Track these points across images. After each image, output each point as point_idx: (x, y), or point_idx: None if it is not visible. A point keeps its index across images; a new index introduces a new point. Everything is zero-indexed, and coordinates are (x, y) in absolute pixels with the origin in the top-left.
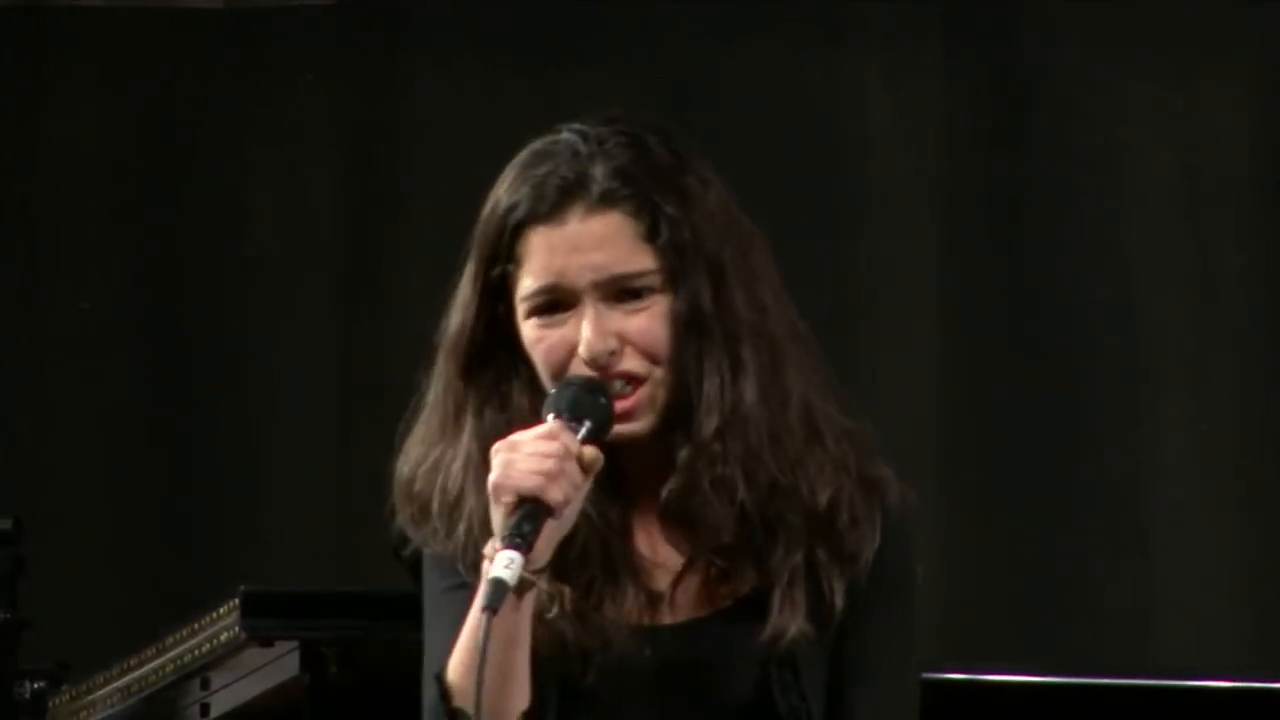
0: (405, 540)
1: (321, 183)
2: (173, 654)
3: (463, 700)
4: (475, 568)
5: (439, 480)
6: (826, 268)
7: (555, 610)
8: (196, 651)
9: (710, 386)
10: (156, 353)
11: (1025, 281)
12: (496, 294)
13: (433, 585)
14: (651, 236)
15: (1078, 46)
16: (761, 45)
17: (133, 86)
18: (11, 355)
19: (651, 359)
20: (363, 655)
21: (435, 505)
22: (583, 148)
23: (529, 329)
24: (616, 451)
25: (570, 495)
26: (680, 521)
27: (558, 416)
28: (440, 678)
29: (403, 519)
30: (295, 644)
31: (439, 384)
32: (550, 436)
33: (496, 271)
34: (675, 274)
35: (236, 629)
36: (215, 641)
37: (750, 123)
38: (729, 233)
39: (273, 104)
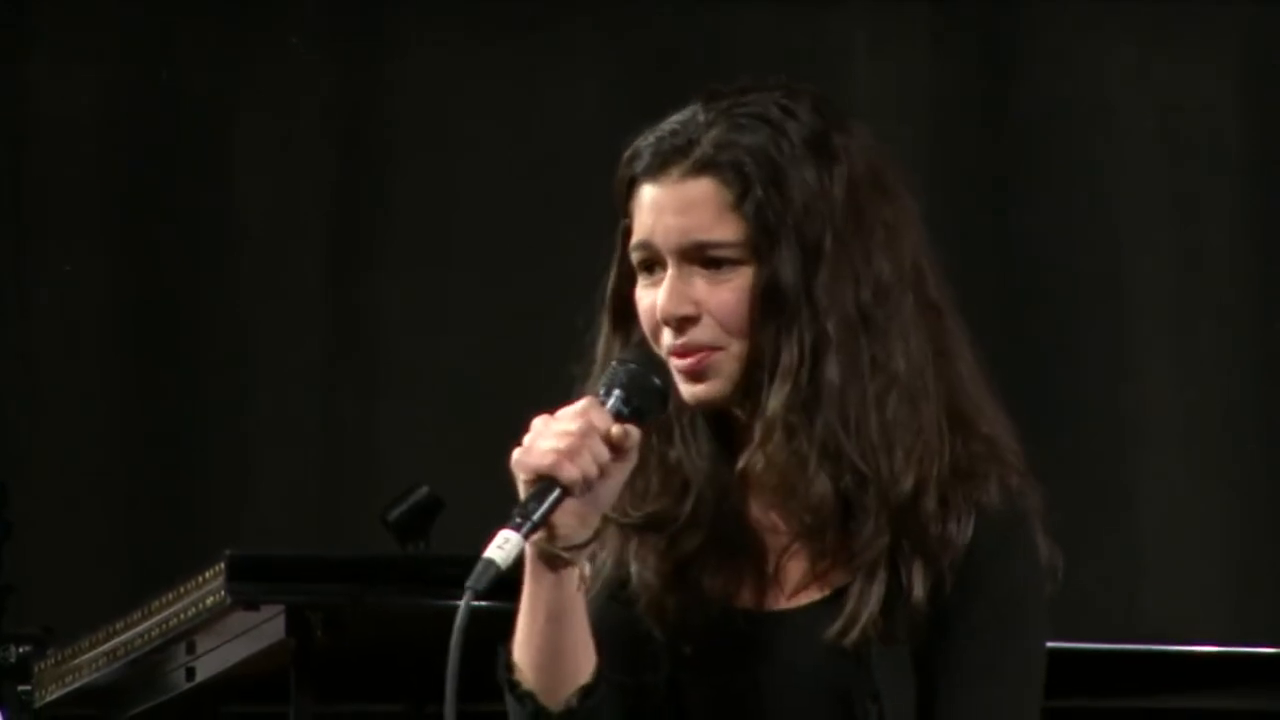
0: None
1: (309, 154)
2: (158, 618)
3: (523, 678)
4: (618, 530)
5: None
6: None
7: (653, 580)
8: (182, 616)
9: (786, 359)
10: (144, 321)
11: (1011, 250)
12: (625, 244)
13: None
14: (741, 206)
15: (1063, 14)
16: (748, 14)
17: (121, 56)
18: None
19: (728, 330)
20: (348, 619)
21: None
22: (705, 114)
23: (638, 284)
24: (728, 423)
25: (590, 473)
26: (771, 495)
27: (601, 392)
28: (508, 649)
29: None
30: (281, 608)
31: (601, 337)
32: (579, 414)
33: (624, 223)
34: (759, 248)
35: (222, 593)
36: (201, 606)
37: None
38: (846, 212)
39: (262, 75)
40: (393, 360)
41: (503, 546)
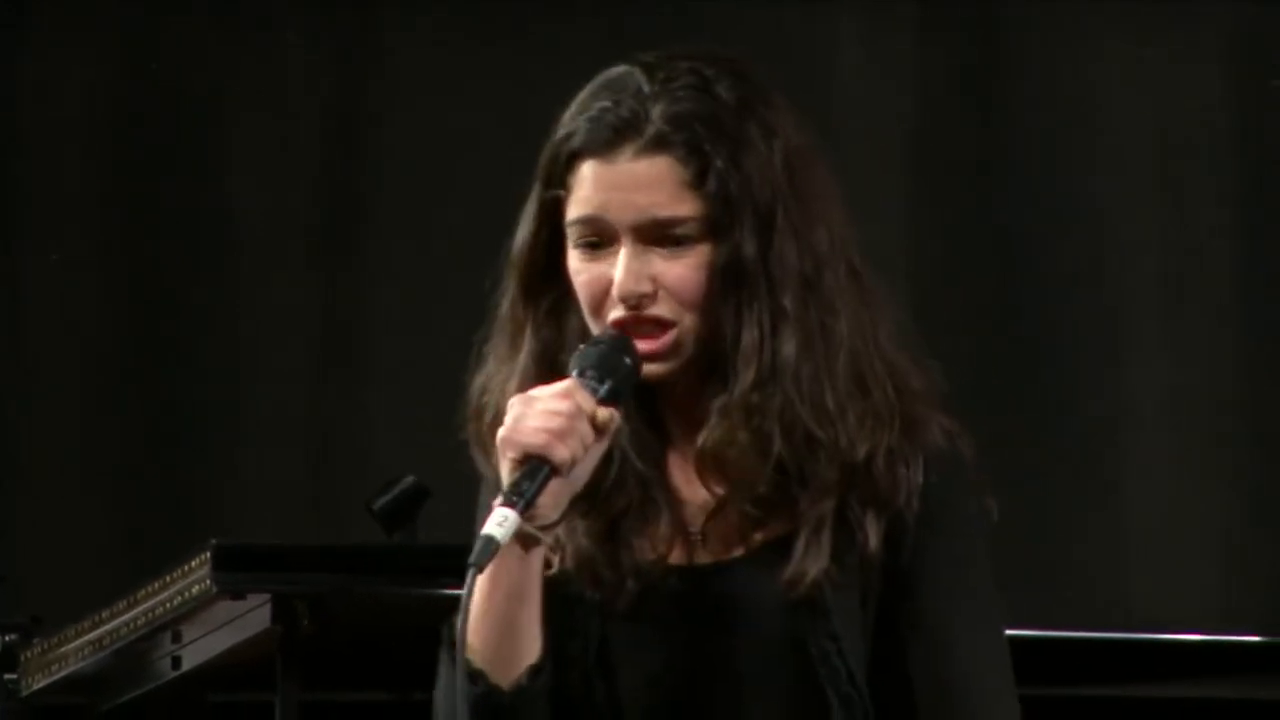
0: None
1: (302, 151)
2: (144, 607)
3: (474, 654)
4: None
5: (493, 401)
6: None
7: (584, 540)
8: (168, 605)
9: (748, 339)
10: (132, 309)
11: (998, 237)
12: (550, 215)
13: (477, 527)
14: (698, 184)
15: (1051, 5)
16: (739, 7)
17: (112, 52)
18: None
19: (684, 305)
20: (334, 608)
21: (488, 427)
22: (647, 86)
23: (573, 258)
24: (654, 393)
25: (578, 454)
26: (715, 470)
27: (580, 374)
28: (453, 627)
29: (469, 438)
30: (267, 597)
31: (505, 300)
32: (565, 395)
33: (550, 195)
34: (719, 224)
35: (208, 582)
36: (187, 595)
37: None
38: (787, 182)
39: (255, 72)
40: (381, 353)
41: (502, 524)
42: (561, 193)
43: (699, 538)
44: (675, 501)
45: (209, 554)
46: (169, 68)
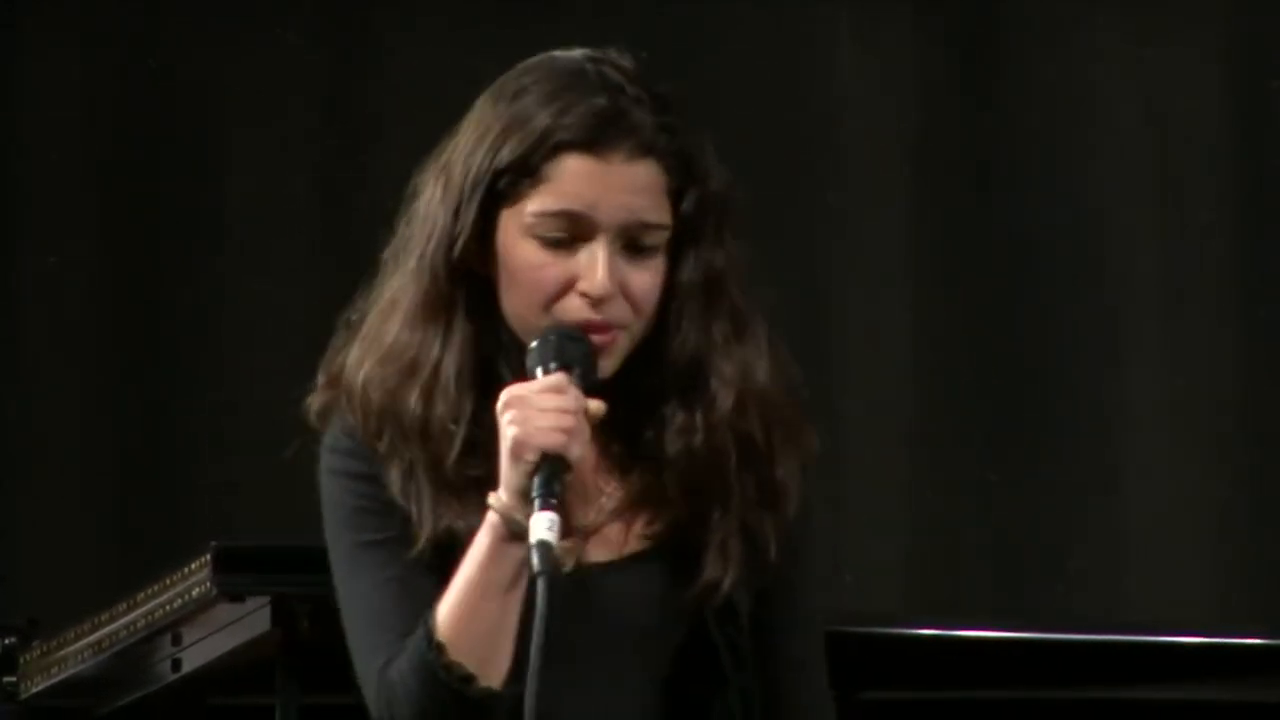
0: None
1: (298, 147)
2: (144, 609)
3: (461, 657)
4: (428, 490)
5: (417, 381)
6: (798, 223)
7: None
8: (168, 607)
9: (724, 361)
10: (132, 309)
11: (996, 234)
12: (495, 200)
13: (348, 535)
14: (676, 197)
15: (1051, 2)
16: (734, 3)
17: (107, 47)
18: None
19: (638, 313)
20: (335, 611)
21: (409, 409)
22: (616, 79)
23: (528, 249)
24: None
25: (585, 451)
26: (683, 482)
27: (560, 368)
28: (432, 634)
29: (345, 416)
30: (267, 600)
31: (419, 275)
32: (560, 390)
33: (506, 181)
34: (689, 238)
35: (208, 584)
36: (187, 597)
37: (719, 78)
38: (732, 205)
39: (251, 67)
40: None
41: (550, 529)
42: (524, 180)
43: (598, 534)
44: (576, 498)
45: (209, 556)
46: (167, 67)
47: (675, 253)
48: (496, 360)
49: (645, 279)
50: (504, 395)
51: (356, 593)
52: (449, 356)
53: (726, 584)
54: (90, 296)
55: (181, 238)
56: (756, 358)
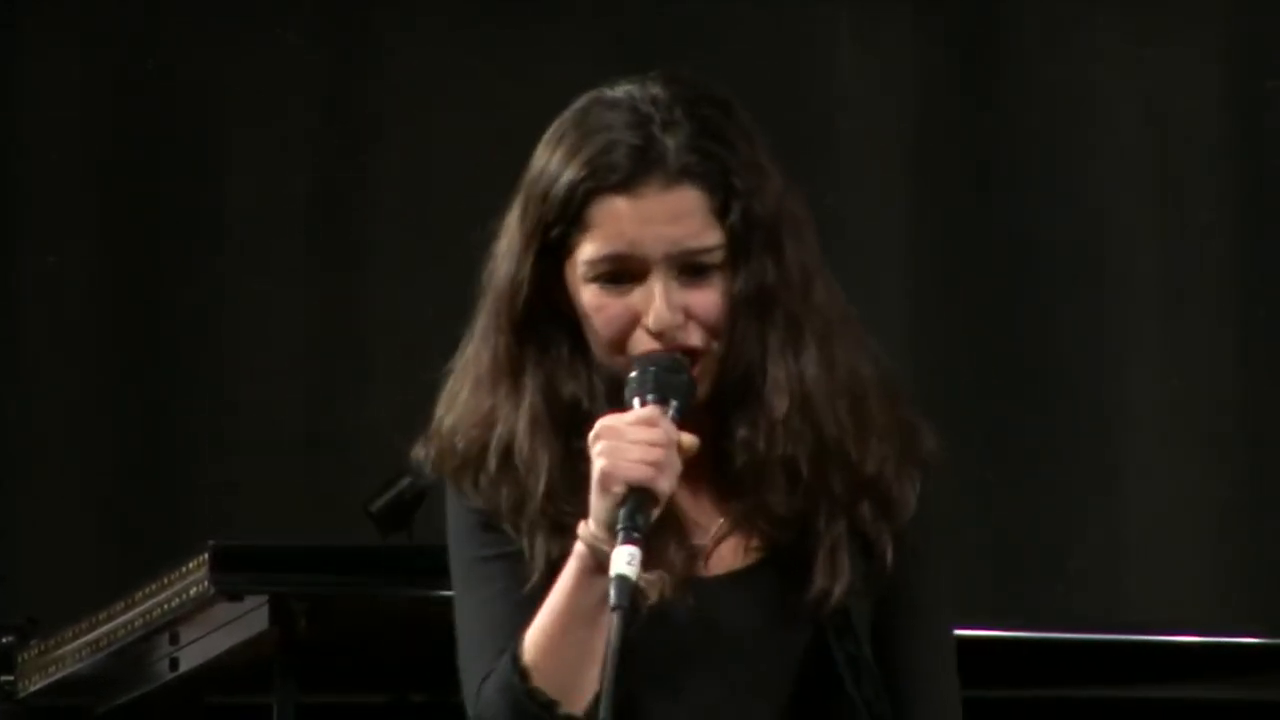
0: (417, 496)
1: (297, 148)
2: (142, 609)
3: (544, 683)
4: (534, 529)
5: (494, 435)
6: None
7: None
8: (166, 606)
9: (776, 367)
10: (131, 309)
11: (996, 234)
12: (553, 253)
13: (467, 550)
14: (722, 213)
15: (1051, 2)
16: (734, 3)
17: (106, 47)
18: None
19: (712, 334)
20: (332, 610)
21: (491, 462)
22: (648, 110)
23: (590, 294)
24: None
25: (674, 484)
26: (750, 493)
27: (656, 400)
28: (518, 659)
29: (443, 471)
30: (264, 599)
31: (488, 334)
32: (652, 423)
33: (556, 233)
34: (740, 252)
35: (206, 583)
36: (184, 596)
37: (719, 79)
38: (788, 208)
39: (252, 62)
40: (379, 354)
41: (630, 563)
42: (571, 229)
43: (704, 554)
44: (682, 522)
45: (207, 555)
46: (167, 67)
47: (731, 267)
48: (580, 398)
49: (709, 299)
50: (597, 425)
51: (468, 607)
52: (521, 419)
53: (838, 591)
54: (90, 296)
55: (181, 238)
56: (818, 362)
